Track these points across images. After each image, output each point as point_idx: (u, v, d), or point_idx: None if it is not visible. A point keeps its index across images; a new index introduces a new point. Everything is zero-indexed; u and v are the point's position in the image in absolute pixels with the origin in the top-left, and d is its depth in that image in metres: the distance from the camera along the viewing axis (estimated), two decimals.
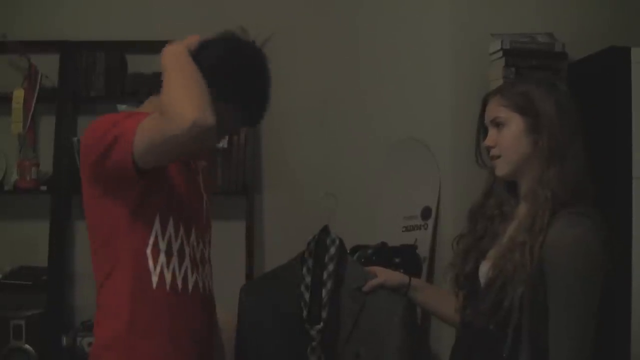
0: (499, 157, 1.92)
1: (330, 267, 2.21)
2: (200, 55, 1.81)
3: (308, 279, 2.22)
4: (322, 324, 2.18)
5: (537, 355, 1.75)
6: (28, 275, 3.73)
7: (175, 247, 1.83)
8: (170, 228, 1.82)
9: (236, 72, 1.84)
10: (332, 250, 2.23)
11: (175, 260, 1.83)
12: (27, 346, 3.51)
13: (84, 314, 3.72)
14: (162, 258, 1.81)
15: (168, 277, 1.82)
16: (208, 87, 1.71)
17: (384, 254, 2.82)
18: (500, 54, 2.70)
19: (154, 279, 1.80)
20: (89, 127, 1.78)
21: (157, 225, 1.81)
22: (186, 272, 1.85)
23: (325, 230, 2.27)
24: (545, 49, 2.75)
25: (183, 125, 1.60)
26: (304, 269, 2.23)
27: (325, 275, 2.21)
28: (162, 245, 1.81)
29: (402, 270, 2.71)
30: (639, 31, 2.86)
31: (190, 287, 1.87)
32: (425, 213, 3.01)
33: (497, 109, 1.92)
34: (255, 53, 1.90)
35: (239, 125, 1.93)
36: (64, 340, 3.59)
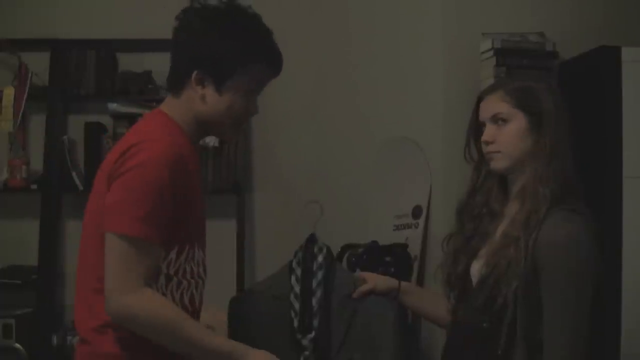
0: (497, 152, 1.91)
1: (319, 275, 2.19)
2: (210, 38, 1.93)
3: (297, 288, 2.20)
4: (314, 332, 2.17)
5: (532, 352, 1.76)
6: (18, 274, 3.72)
7: (180, 271, 1.83)
8: (173, 254, 1.81)
9: (247, 33, 1.97)
10: (320, 258, 2.21)
11: (175, 282, 1.83)
12: (17, 345, 3.49)
13: (74, 313, 3.70)
14: (162, 279, 1.80)
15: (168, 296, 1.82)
16: (239, 60, 1.88)
17: (374, 253, 2.81)
18: (492, 53, 2.69)
19: None
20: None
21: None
22: (186, 291, 1.86)
23: (312, 239, 2.26)
24: (536, 48, 2.75)
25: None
26: (293, 279, 2.21)
27: (314, 284, 2.19)
28: (164, 269, 1.80)
29: (392, 269, 2.72)
30: (629, 30, 2.86)
31: (195, 303, 1.88)
32: (416, 212, 3.01)
33: (499, 105, 1.91)
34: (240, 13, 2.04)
35: (270, 76, 1.98)
36: (54, 339, 3.58)
